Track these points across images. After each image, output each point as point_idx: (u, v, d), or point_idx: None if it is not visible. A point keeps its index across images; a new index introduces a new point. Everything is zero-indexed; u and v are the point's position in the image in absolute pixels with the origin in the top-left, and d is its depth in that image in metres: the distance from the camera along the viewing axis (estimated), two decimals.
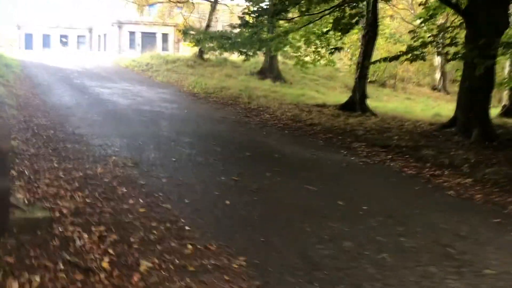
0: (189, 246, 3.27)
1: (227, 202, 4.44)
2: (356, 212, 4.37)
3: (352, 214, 4.34)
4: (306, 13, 10.53)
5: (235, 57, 19.39)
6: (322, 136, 8.94)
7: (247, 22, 10.87)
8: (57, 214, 3.53)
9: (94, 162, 5.33)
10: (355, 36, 18.19)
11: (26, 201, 3.67)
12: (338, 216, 4.25)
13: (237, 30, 12.71)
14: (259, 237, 3.62)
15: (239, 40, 12.34)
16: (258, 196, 4.75)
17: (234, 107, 12.21)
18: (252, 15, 10.82)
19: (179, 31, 13.37)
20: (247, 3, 11.85)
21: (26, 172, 4.45)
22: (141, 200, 4.24)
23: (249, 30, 11.51)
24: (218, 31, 12.65)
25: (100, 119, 8.20)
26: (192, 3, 23.15)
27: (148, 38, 43.75)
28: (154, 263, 2.92)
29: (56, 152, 5.50)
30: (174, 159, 5.91)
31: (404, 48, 12.62)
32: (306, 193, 5.02)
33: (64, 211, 3.68)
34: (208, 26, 21.20)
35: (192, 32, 13.04)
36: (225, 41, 12.61)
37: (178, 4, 25.53)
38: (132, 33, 43.85)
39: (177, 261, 3.00)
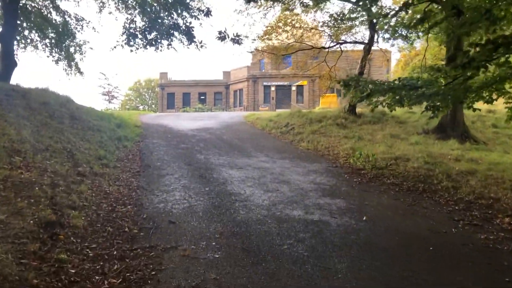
0: None
1: None
2: None
3: None
4: None
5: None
6: None
7: (474, 58, 6.26)
8: None
9: None
10: None
11: None
12: None
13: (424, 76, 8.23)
14: None
15: (434, 89, 7.81)
16: None
17: (434, 198, 7.48)
18: (487, 45, 6.21)
19: (339, 82, 9.27)
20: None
21: None
22: None
23: (460, 72, 6.96)
24: (397, 79, 8.30)
25: (221, 258, 4.28)
26: (340, 49, 19.27)
27: (283, 91, 41.74)
28: None
29: None
30: None
31: None
32: None
33: None
34: (360, 73, 17.02)
35: (356, 83, 8.97)
36: (409, 92, 8.23)
37: (315, 54, 22.18)
38: (267, 87, 42.37)
39: None
